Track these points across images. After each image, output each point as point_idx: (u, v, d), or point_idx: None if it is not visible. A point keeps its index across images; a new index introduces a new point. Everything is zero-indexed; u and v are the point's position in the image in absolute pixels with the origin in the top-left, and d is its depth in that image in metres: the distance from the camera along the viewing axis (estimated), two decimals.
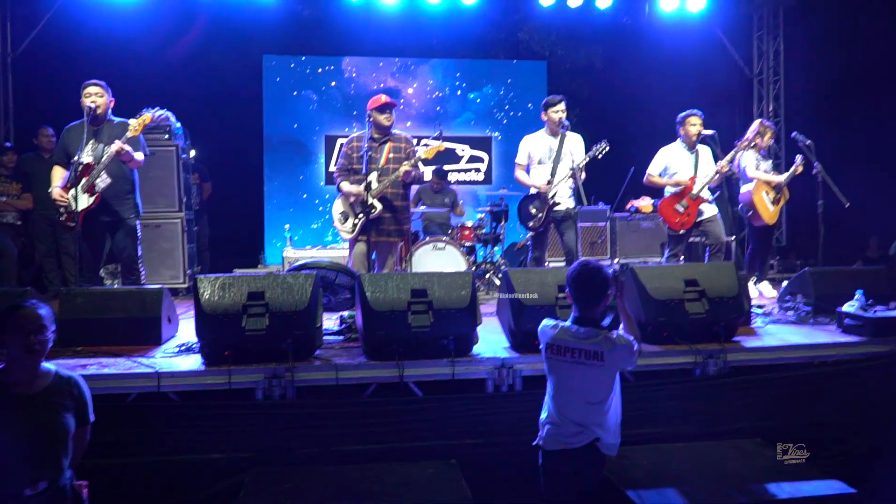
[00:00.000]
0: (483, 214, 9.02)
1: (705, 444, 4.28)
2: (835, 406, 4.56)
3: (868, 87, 10.31)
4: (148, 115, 5.72)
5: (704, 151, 6.91)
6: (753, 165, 7.06)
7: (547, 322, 3.43)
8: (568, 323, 3.37)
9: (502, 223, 8.67)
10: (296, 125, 11.01)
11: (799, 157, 7.01)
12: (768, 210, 7.02)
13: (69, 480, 3.01)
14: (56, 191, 5.57)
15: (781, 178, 7.09)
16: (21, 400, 2.92)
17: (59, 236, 7.55)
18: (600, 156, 6.43)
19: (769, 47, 10.97)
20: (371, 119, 5.96)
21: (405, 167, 5.76)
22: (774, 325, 5.43)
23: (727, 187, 7.45)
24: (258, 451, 4.04)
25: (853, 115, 10.33)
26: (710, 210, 6.86)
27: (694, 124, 6.81)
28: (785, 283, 6.23)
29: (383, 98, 6.01)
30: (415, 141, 6.23)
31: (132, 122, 5.61)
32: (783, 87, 10.94)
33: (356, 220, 5.85)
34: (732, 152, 6.81)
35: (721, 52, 11.08)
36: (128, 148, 5.49)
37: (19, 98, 9.45)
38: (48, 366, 3.06)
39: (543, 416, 3.42)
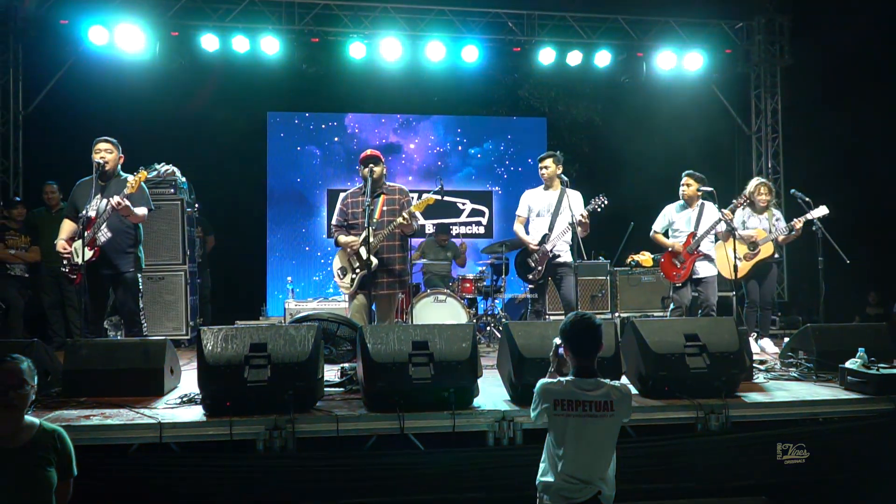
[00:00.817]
0: (484, 267, 9.08)
1: (707, 500, 4.24)
2: (838, 463, 4.53)
3: (865, 145, 10.48)
4: (143, 173, 5.78)
5: (709, 208, 7.00)
6: (738, 221, 7.16)
7: (546, 381, 3.34)
8: (570, 377, 3.34)
9: (503, 276, 8.71)
10: (299, 179, 11.17)
11: (797, 222, 7.04)
12: (735, 265, 7.01)
13: None
14: (60, 243, 5.68)
15: (753, 235, 7.14)
16: (3, 453, 2.92)
17: (64, 289, 7.64)
18: (599, 209, 6.52)
19: (767, 105, 11.17)
20: (360, 173, 6.03)
21: (399, 221, 5.79)
22: (777, 381, 5.41)
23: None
24: (258, 502, 4.01)
25: (851, 171, 10.47)
26: (707, 270, 6.95)
27: (682, 184, 7.06)
28: (787, 340, 6.24)
29: (368, 151, 6.09)
30: (410, 192, 6.25)
31: (130, 179, 5.70)
32: (781, 145, 11.10)
33: (354, 275, 5.88)
34: (729, 208, 6.88)
35: (719, 110, 11.29)
36: (125, 203, 5.54)
37: (30, 154, 9.66)
38: (32, 419, 3.06)
39: (545, 476, 3.29)
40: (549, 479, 3.28)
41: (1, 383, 2.91)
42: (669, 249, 7.01)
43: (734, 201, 6.95)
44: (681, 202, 7.13)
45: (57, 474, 3.00)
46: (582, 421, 3.22)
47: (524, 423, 4.36)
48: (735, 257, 6.68)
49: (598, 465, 3.26)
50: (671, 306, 7.20)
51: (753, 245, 7.14)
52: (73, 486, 3.12)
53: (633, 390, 4.91)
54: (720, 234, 6.97)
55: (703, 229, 6.88)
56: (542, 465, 3.36)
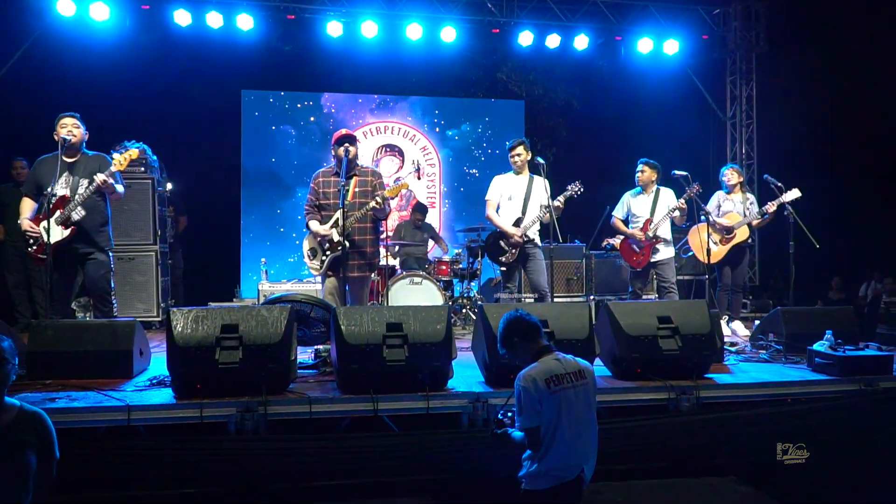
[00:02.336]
0: (460, 250, 9.06)
1: (678, 481, 4.28)
2: (806, 444, 4.59)
3: (837, 131, 10.60)
4: (135, 151, 5.69)
5: (665, 193, 7.20)
6: (711, 208, 7.26)
7: (525, 372, 3.34)
8: (542, 359, 3.38)
9: (479, 258, 8.71)
10: (273, 159, 11.04)
11: (771, 206, 7.09)
12: (712, 250, 7.08)
13: None
14: (26, 222, 5.50)
15: (728, 223, 7.21)
16: None
17: (29, 268, 7.45)
18: (576, 195, 6.59)
19: (742, 91, 11.23)
20: (333, 153, 5.97)
21: (372, 204, 5.73)
22: (747, 362, 5.50)
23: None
24: (230, 485, 3.98)
25: (822, 158, 10.59)
26: (665, 252, 7.16)
27: (638, 171, 7.26)
28: (757, 322, 6.32)
29: (341, 131, 6.03)
30: (386, 176, 6.21)
31: (117, 156, 5.55)
32: (756, 131, 11.17)
33: (324, 257, 5.84)
34: (684, 196, 6.95)
35: (695, 95, 11.35)
36: (111, 181, 5.47)
37: None
38: (12, 401, 2.99)
39: (534, 467, 3.31)
40: (540, 467, 3.29)
41: None
42: (626, 237, 7.24)
43: (687, 189, 6.98)
44: (637, 188, 7.32)
45: (38, 458, 2.94)
46: (572, 393, 3.30)
47: (498, 405, 4.36)
48: (710, 241, 6.77)
49: (589, 437, 3.37)
50: (629, 289, 7.44)
51: (728, 230, 7.21)
52: (55, 469, 3.07)
53: (607, 372, 4.95)
54: (677, 220, 7.08)
55: (660, 215, 7.05)
56: (525, 462, 3.37)
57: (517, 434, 3.40)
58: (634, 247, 7.21)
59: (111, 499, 3.89)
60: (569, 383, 3.30)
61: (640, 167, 7.25)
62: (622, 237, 7.41)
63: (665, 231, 7.14)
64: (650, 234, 7.06)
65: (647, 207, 7.19)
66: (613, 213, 7.48)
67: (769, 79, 11.16)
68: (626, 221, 7.38)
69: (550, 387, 3.26)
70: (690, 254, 7.72)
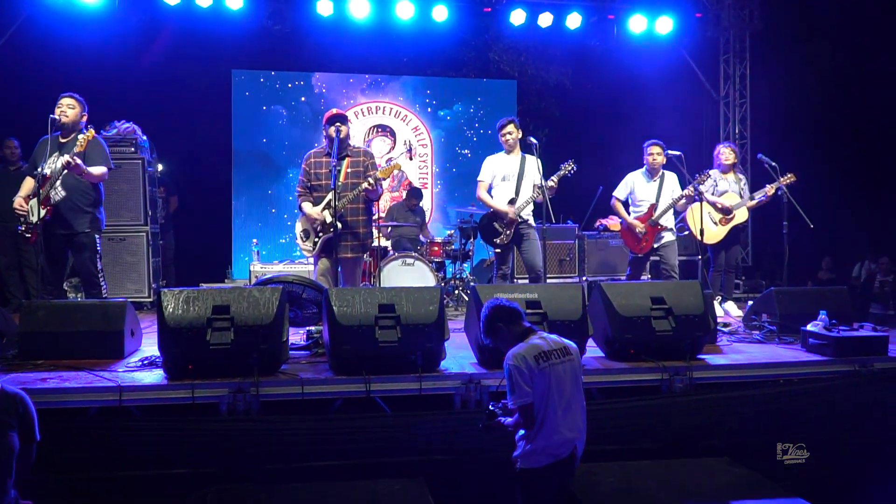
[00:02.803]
0: (452, 231, 9.03)
1: (671, 461, 4.30)
2: (799, 424, 4.61)
3: (831, 111, 10.58)
4: (91, 132, 5.56)
5: (670, 178, 7.05)
6: (707, 188, 7.16)
7: (513, 352, 3.39)
8: (527, 339, 3.44)
9: (472, 240, 8.68)
10: (265, 140, 10.95)
11: (770, 188, 7.04)
12: (709, 230, 7.05)
13: (14, 500, 2.91)
14: (17, 200, 5.50)
15: (727, 203, 7.16)
16: None
17: (21, 249, 7.40)
18: (569, 174, 6.51)
19: (735, 71, 11.19)
20: (325, 134, 5.92)
21: (365, 185, 5.70)
22: (740, 343, 5.50)
23: None
24: (222, 466, 3.97)
25: (815, 138, 10.58)
26: (668, 236, 7.03)
27: (651, 153, 7.02)
28: (751, 303, 6.32)
29: (332, 111, 5.98)
30: (378, 156, 6.15)
31: (79, 137, 5.48)
32: (749, 110, 11.14)
33: (317, 238, 5.81)
34: (689, 187, 6.87)
35: (688, 74, 11.29)
36: (76, 161, 5.33)
37: None
38: None
39: (528, 446, 3.35)
40: (535, 445, 3.32)
41: None
42: (640, 215, 7.02)
43: (697, 176, 6.93)
44: (644, 171, 7.13)
45: (19, 439, 2.91)
46: (560, 369, 3.35)
47: (491, 386, 4.36)
48: (710, 221, 6.71)
49: (578, 414, 3.41)
50: (628, 272, 7.28)
51: (728, 211, 7.15)
52: (35, 451, 3.04)
53: (600, 353, 4.95)
54: (680, 206, 7.01)
55: (665, 202, 6.93)
56: (520, 442, 3.41)
57: (508, 420, 3.43)
58: (637, 233, 7.01)
59: (103, 479, 3.89)
60: (556, 359, 3.36)
61: (654, 150, 6.98)
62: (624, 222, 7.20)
63: (668, 219, 7.00)
64: (653, 220, 6.91)
65: (653, 192, 7.00)
66: (614, 194, 7.22)
67: (763, 57, 11.11)
68: (626, 203, 7.21)
69: (539, 363, 3.32)
70: (686, 233, 7.63)
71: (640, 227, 6.96)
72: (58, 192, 5.48)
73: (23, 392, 3.02)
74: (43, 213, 5.38)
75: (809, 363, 4.87)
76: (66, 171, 5.40)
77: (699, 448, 4.43)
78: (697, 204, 6.88)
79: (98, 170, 5.58)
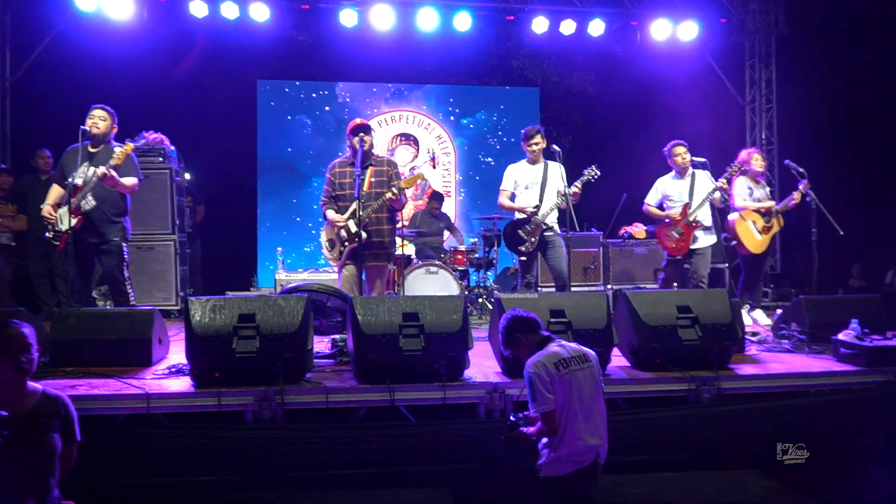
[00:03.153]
0: (476, 239, 9.03)
1: (699, 473, 4.24)
2: (830, 436, 4.52)
3: (858, 116, 10.43)
4: (130, 145, 5.68)
5: (701, 176, 6.95)
6: (742, 195, 7.08)
7: (533, 360, 3.39)
8: (546, 348, 3.44)
9: (495, 248, 8.67)
10: (289, 149, 11.05)
11: (797, 193, 6.96)
12: (755, 239, 7.00)
13: (57, 500, 2.97)
14: (46, 207, 5.58)
15: (770, 203, 7.09)
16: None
17: (52, 257, 7.52)
18: (593, 180, 6.47)
19: (761, 76, 11.07)
20: (349, 143, 5.96)
21: (388, 195, 5.73)
22: (769, 352, 5.41)
23: (717, 216, 7.47)
24: (247, 474, 3.99)
25: (843, 143, 10.43)
26: (704, 240, 6.89)
27: (678, 154, 6.92)
28: (779, 311, 6.23)
29: (356, 121, 6.02)
30: (401, 165, 6.18)
31: (117, 150, 5.61)
32: (776, 115, 11.02)
33: (342, 248, 5.84)
34: (723, 178, 6.80)
35: (713, 80, 11.19)
36: (112, 174, 5.46)
37: (17, 121, 9.48)
38: (35, 385, 3.04)
39: (553, 454, 3.34)
40: (559, 453, 3.31)
41: (9, 348, 2.90)
42: (666, 221, 6.93)
43: (728, 168, 6.87)
44: (673, 173, 7.03)
45: (61, 440, 2.98)
46: (580, 375, 3.36)
47: (515, 395, 4.34)
48: (754, 229, 6.65)
49: (599, 420, 3.39)
50: (661, 276, 7.17)
51: (767, 217, 7.06)
52: (77, 452, 3.11)
53: (626, 362, 4.91)
54: (715, 201, 6.90)
55: (698, 199, 6.82)
56: (543, 450, 3.40)
57: (530, 429, 3.43)
58: (674, 233, 6.87)
59: (130, 485, 3.93)
60: (576, 366, 3.37)
61: (679, 149, 6.90)
62: (660, 224, 7.06)
63: (706, 216, 6.87)
64: (688, 219, 6.78)
65: (685, 191, 6.89)
66: (646, 201, 7.12)
67: (789, 62, 10.98)
68: (659, 208, 7.08)
69: (559, 370, 3.33)
70: (733, 243, 7.43)
71: (678, 218, 6.80)
72: (88, 202, 5.58)
73: (64, 395, 3.09)
74: (74, 221, 5.47)
75: (841, 373, 4.78)
76: (97, 182, 5.48)
77: (728, 460, 4.36)
78: (743, 212, 6.79)
79: (130, 181, 5.70)
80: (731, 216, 7.18)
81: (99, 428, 3.87)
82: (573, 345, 3.52)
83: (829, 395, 4.69)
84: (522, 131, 6.66)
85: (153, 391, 4.13)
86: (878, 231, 10.22)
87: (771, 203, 7.10)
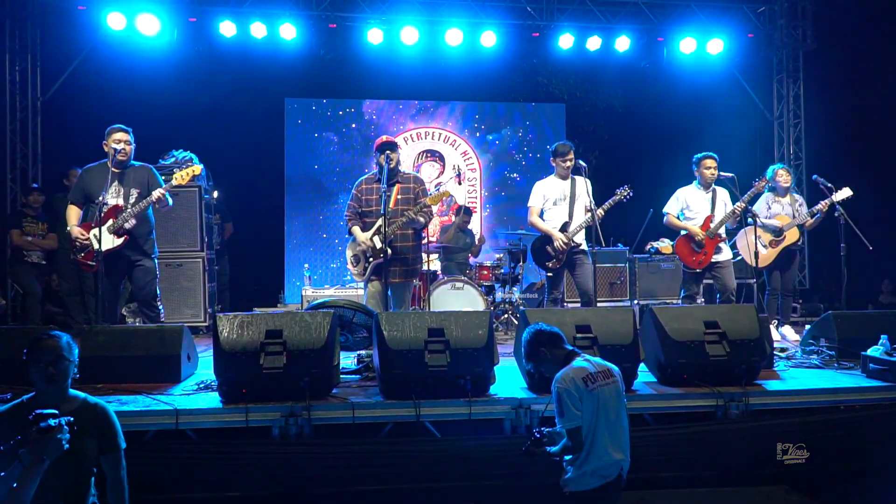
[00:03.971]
0: (502, 254, 9.03)
1: (727, 489, 4.20)
2: (860, 452, 4.46)
3: (887, 130, 10.29)
4: (198, 167, 5.92)
5: (722, 192, 6.91)
6: (760, 210, 7.04)
7: (562, 374, 3.39)
8: (572, 362, 3.45)
9: (521, 263, 8.66)
10: (316, 166, 11.15)
11: (823, 203, 6.89)
12: (760, 252, 6.93)
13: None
14: (76, 229, 5.66)
15: (778, 224, 7.02)
16: None
17: (83, 275, 7.64)
18: (625, 200, 6.46)
19: (789, 91, 10.99)
20: (375, 160, 6.02)
21: (411, 214, 5.77)
22: (797, 368, 5.35)
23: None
24: (274, 489, 4.02)
25: (871, 158, 10.30)
26: (725, 253, 6.83)
27: (708, 167, 6.84)
28: (808, 327, 6.15)
29: (383, 138, 6.07)
30: (427, 181, 6.22)
31: (179, 173, 5.82)
32: (804, 130, 10.92)
33: (367, 264, 5.89)
34: (750, 192, 6.76)
35: (741, 95, 11.12)
36: (168, 197, 5.75)
37: (48, 140, 9.69)
38: (76, 393, 3.17)
39: (577, 470, 3.34)
40: (585, 468, 3.32)
41: (39, 359, 3.01)
42: (685, 233, 6.86)
43: (754, 183, 6.81)
44: (696, 185, 6.95)
45: (100, 448, 3.09)
46: (606, 391, 3.37)
47: (541, 411, 4.32)
48: (759, 244, 6.57)
49: (623, 435, 3.40)
50: (682, 293, 7.10)
51: (778, 232, 7.01)
52: (124, 458, 3.19)
53: (652, 378, 4.87)
54: (731, 221, 6.83)
55: (720, 213, 6.77)
56: (568, 467, 3.40)
57: (554, 448, 3.42)
58: (694, 246, 6.77)
59: (158, 501, 3.96)
60: (602, 381, 3.38)
61: (710, 162, 6.81)
62: (679, 236, 6.97)
63: (722, 231, 6.82)
64: (711, 231, 6.69)
65: (707, 204, 6.83)
66: (666, 211, 7.03)
67: (817, 77, 10.89)
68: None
69: (588, 385, 3.33)
70: (739, 258, 7.45)
71: (700, 234, 6.71)
72: (130, 222, 5.69)
73: (104, 402, 3.18)
74: (119, 241, 5.60)
75: (871, 389, 4.71)
76: (141, 202, 5.64)
77: (757, 476, 4.31)
78: (749, 228, 6.74)
79: (170, 200, 5.89)
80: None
81: (128, 444, 3.92)
82: (598, 360, 3.53)
83: (858, 410, 4.62)
84: (553, 147, 6.66)
85: (182, 407, 4.18)
86: None
87: (778, 223, 7.01)
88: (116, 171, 5.74)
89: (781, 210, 7.13)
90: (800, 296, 10.14)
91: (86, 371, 4.67)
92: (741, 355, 4.64)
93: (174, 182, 5.73)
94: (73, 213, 5.79)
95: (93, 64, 9.53)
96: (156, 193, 5.62)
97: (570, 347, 3.59)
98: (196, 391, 4.59)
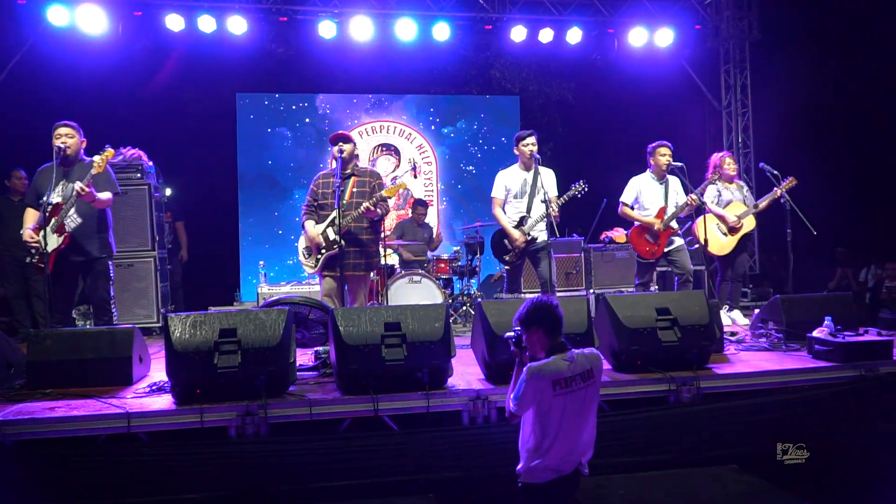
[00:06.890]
0: (459, 247, 9.06)
1: (680, 471, 4.28)
2: (805, 430, 4.58)
3: (830, 118, 10.59)
4: (111, 151, 5.64)
5: (674, 182, 7.02)
6: (710, 199, 7.17)
7: (538, 368, 3.27)
8: (550, 358, 3.33)
9: (478, 255, 8.70)
10: (270, 162, 11.05)
11: (779, 189, 7.03)
12: (719, 241, 7.09)
13: None
14: (27, 232, 5.48)
15: (735, 212, 7.17)
16: None
17: (29, 278, 7.45)
18: (580, 195, 6.53)
19: (736, 81, 11.19)
20: (332, 155, 6.01)
21: (367, 205, 5.76)
22: (747, 352, 5.48)
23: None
24: (232, 489, 3.98)
25: (816, 145, 10.58)
26: (678, 241, 6.98)
27: (663, 154, 6.93)
28: (757, 311, 6.30)
29: (338, 132, 6.08)
30: (383, 175, 6.22)
31: (96, 158, 5.55)
32: (751, 119, 11.15)
33: (318, 256, 5.87)
34: (702, 185, 6.89)
35: (690, 86, 11.31)
36: (88, 189, 5.38)
37: None
38: None
39: (532, 462, 3.31)
40: (541, 463, 3.30)
41: None
42: (638, 224, 6.97)
43: (706, 178, 6.95)
44: (648, 173, 7.07)
45: None
46: (577, 396, 3.29)
47: (498, 402, 4.36)
48: (718, 232, 6.67)
49: (588, 433, 3.39)
50: (636, 281, 7.23)
51: (735, 229, 7.14)
52: None
53: (607, 365, 4.94)
54: (685, 210, 6.96)
55: (673, 204, 6.89)
56: (525, 455, 3.37)
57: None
58: (648, 237, 6.91)
59: None
60: (577, 385, 3.28)
61: (664, 150, 6.88)
62: (633, 227, 7.07)
63: (675, 222, 6.96)
64: (665, 222, 6.82)
65: (661, 195, 6.94)
66: (622, 200, 7.11)
67: (763, 67, 11.14)
68: (632, 208, 7.11)
69: (556, 389, 3.25)
70: (696, 246, 7.57)
71: (658, 223, 6.82)
72: (73, 220, 5.53)
73: None
74: (59, 241, 5.43)
75: (815, 369, 4.86)
76: (78, 198, 5.44)
77: (708, 458, 4.40)
78: (704, 216, 6.86)
79: (105, 195, 5.64)
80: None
81: (79, 449, 3.85)
82: (582, 357, 3.36)
83: (805, 391, 4.75)
84: (516, 135, 6.69)
85: (134, 410, 4.10)
86: (853, 230, 10.37)
87: (735, 213, 7.14)
88: (65, 168, 5.59)
89: (732, 197, 7.27)
90: (750, 281, 10.37)
91: (33, 376, 4.61)
92: (692, 340, 4.73)
93: (93, 171, 5.45)
94: (29, 216, 5.61)
95: (35, 60, 9.20)
96: (77, 186, 5.34)
97: (563, 340, 3.41)
98: (149, 393, 4.51)
